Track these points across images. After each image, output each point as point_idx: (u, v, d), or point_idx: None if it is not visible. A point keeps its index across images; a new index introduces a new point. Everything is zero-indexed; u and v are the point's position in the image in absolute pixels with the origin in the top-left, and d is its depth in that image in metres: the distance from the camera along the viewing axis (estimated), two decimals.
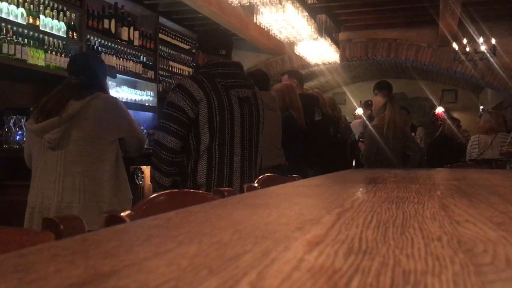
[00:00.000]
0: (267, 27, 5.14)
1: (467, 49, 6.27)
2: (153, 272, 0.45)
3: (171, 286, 0.40)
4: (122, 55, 5.55)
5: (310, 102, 4.00)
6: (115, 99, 2.59)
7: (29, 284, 0.42)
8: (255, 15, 4.82)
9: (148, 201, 1.16)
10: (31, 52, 4.20)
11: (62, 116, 2.28)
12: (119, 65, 5.49)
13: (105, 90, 2.52)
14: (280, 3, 4.71)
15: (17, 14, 4.08)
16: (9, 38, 4.00)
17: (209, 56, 2.30)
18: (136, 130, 2.54)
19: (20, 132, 3.41)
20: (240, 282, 0.40)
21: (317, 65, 7.44)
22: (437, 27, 6.62)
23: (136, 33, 5.80)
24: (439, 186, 1.71)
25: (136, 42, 5.79)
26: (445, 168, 3.60)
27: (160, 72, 6.36)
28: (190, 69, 7.03)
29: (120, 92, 5.58)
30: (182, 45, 6.97)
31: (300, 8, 5.01)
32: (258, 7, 4.73)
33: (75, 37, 4.76)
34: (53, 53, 4.46)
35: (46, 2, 4.45)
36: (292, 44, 6.35)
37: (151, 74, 6.13)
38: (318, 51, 6.49)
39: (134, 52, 5.80)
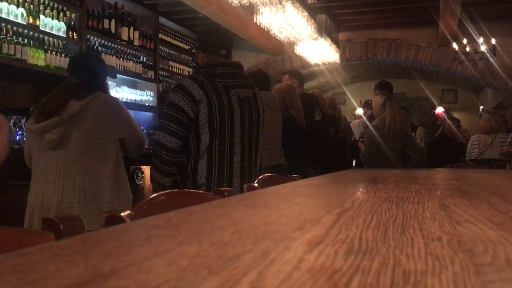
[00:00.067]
0: (267, 27, 5.14)
1: (467, 49, 6.27)
2: (153, 272, 0.45)
3: (171, 286, 0.40)
4: (122, 55, 5.55)
5: (310, 102, 4.00)
6: (115, 99, 2.59)
7: (29, 284, 0.42)
8: (255, 15, 4.82)
9: (148, 201, 1.16)
10: (31, 52, 4.20)
11: (63, 116, 2.28)
12: (119, 65, 5.49)
13: (105, 90, 2.52)
14: (280, 3, 4.71)
15: (17, 14, 4.08)
16: (9, 38, 4.00)
17: (209, 56, 2.29)
18: (136, 130, 2.54)
19: (20, 132, 3.42)
20: (240, 282, 0.40)
21: (317, 65, 7.44)
22: (437, 27, 6.62)
23: (136, 33, 5.80)
24: (439, 186, 1.71)
25: (136, 42, 5.79)
26: (445, 168, 3.60)
27: (160, 72, 6.36)
28: (190, 69, 7.03)
29: (120, 92, 5.58)
30: (182, 45, 6.97)
31: (300, 8, 5.01)
32: (258, 7, 4.73)
33: (75, 37, 4.76)
34: (53, 53, 4.46)
35: (46, 2, 4.45)
36: (292, 44, 6.35)
37: (151, 74, 6.13)
38: (318, 51, 6.49)
39: (134, 52, 5.80)
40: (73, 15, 4.78)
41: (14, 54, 4.02)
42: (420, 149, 4.06)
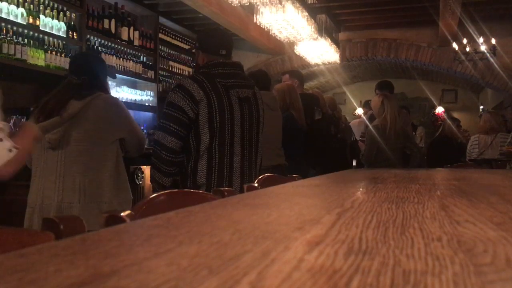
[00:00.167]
0: (267, 27, 5.14)
1: (467, 49, 6.27)
2: (153, 272, 0.45)
3: (171, 286, 0.40)
4: (122, 55, 5.55)
5: (310, 102, 4.00)
6: (115, 99, 2.59)
7: (29, 284, 0.42)
8: (255, 15, 4.82)
9: (148, 201, 1.16)
10: (31, 52, 4.20)
11: (63, 116, 2.28)
12: (119, 65, 5.49)
13: (106, 90, 2.52)
14: (280, 3, 4.71)
15: (17, 14, 4.08)
16: (9, 38, 4.00)
17: (209, 56, 2.29)
18: (136, 130, 2.54)
19: None
20: (240, 282, 0.40)
21: (317, 65, 7.44)
22: (437, 27, 6.62)
23: (136, 33, 5.80)
24: (439, 186, 1.71)
25: (136, 42, 5.79)
26: (445, 168, 3.60)
27: (160, 72, 6.36)
28: (190, 69, 7.03)
29: (120, 92, 5.58)
30: (182, 45, 6.97)
31: (300, 8, 5.01)
32: (258, 7, 4.73)
33: (75, 37, 4.76)
34: (53, 53, 4.46)
35: (46, 2, 4.45)
36: (292, 44, 6.35)
37: (151, 74, 6.13)
38: (318, 51, 6.49)
39: (134, 52, 5.80)
40: (73, 15, 4.78)
41: (14, 54, 4.02)
42: (419, 151, 4.06)
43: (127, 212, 0.98)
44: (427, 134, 7.22)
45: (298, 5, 4.94)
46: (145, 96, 6.06)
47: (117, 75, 4.92)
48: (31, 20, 4.21)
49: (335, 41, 6.97)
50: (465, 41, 6.20)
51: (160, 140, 2.18)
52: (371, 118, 4.17)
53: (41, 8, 4.36)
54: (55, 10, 4.53)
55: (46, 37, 4.41)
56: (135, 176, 3.81)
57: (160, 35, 6.40)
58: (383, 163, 3.65)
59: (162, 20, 6.48)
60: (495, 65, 6.79)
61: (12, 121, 3.39)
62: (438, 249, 0.53)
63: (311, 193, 1.47)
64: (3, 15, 3.94)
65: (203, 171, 2.18)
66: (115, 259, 0.51)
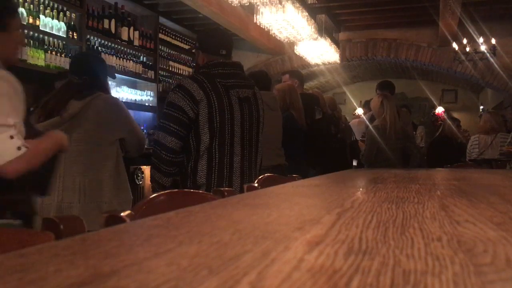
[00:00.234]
0: (267, 27, 5.14)
1: (467, 49, 6.27)
2: (153, 272, 0.45)
3: (171, 286, 0.40)
4: (122, 55, 5.55)
5: (310, 101, 4.00)
6: (115, 99, 2.59)
7: (29, 284, 0.42)
8: (255, 15, 4.82)
9: (148, 201, 1.16)
10: (31, 52, 4.20)
11: (63, 116, 2.28)
12: (119, 65, 5.49)
13: (106, 90, 2.52)
14: (280, 3, 4.71)
15: None
16: None
17: (209, 56, 2.29)
18: (136, 130, 2.54)
19: None
20: (240, 282, 0.40)
21: (317, 65, 7.45)
22: (437, 27, 6.62)
23: (136, 33, 5.80)
24: (439, 186, 1.71)
25: (136, 42, 5.79)
26: (445, 168, 3.60)
27: (160, 72, 6.36)
28: (190, 69, 7.03)
29: (120, 92, 5.58)
30: (182, 45, 6.97)
31: (300, 8, 5.01)
32: (258, 7, 4.73)
33: (75, 37, 4.76)
34: (53, 53, 4.46)
35: (46, 2, 4.45)
36: (292, 44, 6.35)
37: (151, 74, 6.13)
38: (318, 51, 6.49)
39: (134, 52, 5.80)
40: (73, 15, 4.78)
41: None
42: (419, 151, 4.06)
43: (127, 212, 0.98)
44: (427, 133, 7.23)
45: (298, 5, 4.94)
46: (145, 96, 6.06)
47: (117, 75, 4.92)
48: (31, 20, 4.21)
49: (335, 41, 6.97)
50: (465, 41, 6.20)
51: (160, 140, 2.18)
52: (371, 119, 4.17)
53: (41, 8, 4.36)
54: (55, 10, 4.53)
55: (46, 37, 4.41)
56: (135, 176, 3.81)
57: (160, 35, 6.40)
58: (383, 163, 3.65)
59: (162, 20, 6.48)
60: (495, 65, 6.79)
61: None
62: (438, 249, 0.53)
63: (311, 193, 1.47)
64: None
65: (203, 171, 2.18)
66: (115, 259, 0.51)
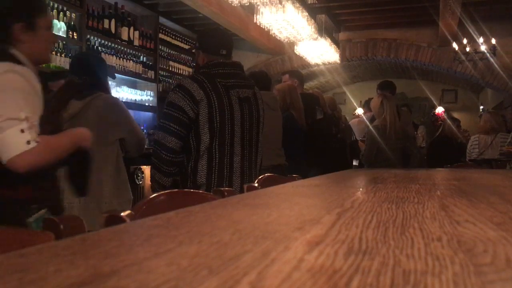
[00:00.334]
0: (267, 27, 5.14)
1: (467, 49, 6.27)
2: (153, 272, 0.45)
3: (171, 286, 0.40)
4: (122, 55, 5.55)
5: (310, 101, 4.00)
6: (115, 99, 2.60)
7: (29, 284, 0.42)
8: (255, 15, 4.82)
9: (148, 201, 1.16)
10: None
11: (63, 116, 2.28)
12: (119, 65, 5.49)
13: (106, 90, 2.52)
14: (280, 3, 4.71)
15: None
16: None
17: (210, 56, 2.29)
18: (136, 130, 2.54)
19: None
20: (240, 282, 0.40)
21: (317, 65, 7.44)
22: (437, 27, 6.62)
23: (136, 33, 5.80)
24: (439, 186, 1.71)
25: (136, 42, 5.79)
26: (445, 168, 3.60)
27: (160, 72, 6.36)
28: (190, 69, 7.03)
29: (120, 92, 5.58)
30: (182, 45, 6.97)
31: (300, 8, 5.01)
32: (258, 7, 4.73)
33: (75, 37, 4.76)
34: (53, 53, 4.46)
35: (46, 2, 4.44)
36: (292, 44, 6.35)
37: (151, 74, 6.13)
38: (318, 51, 6.49)
39: (134, 52, 5.80)
40: (73, 15, 4.78)
41: None
42: (418, 151, 4.06)
43: (127, 212, 0.98)
44: (427, 133, 7.22)
45: (298, 5, 4.94)
46: (145, 96, 6.07)
47: (117, 75, 4.92)
48: None
49: (335, 41, 6.97)
50: (465, 41, 6.20)
51: (160, 140, 2.18)
52: (372, 120, 4.17)
53: None
54: (55, 10, 4.53)
55: None
56: (135, 176, 3.81)
57: (160, 35, 6.40)
58: (383, 163, 3.65)
59: (162, 20, 6.48)
60: (495, 65, 6.79)
61: None
62: (438, 249, 0.53)
63: (311, 193, 1.47)
64: None
65: (203, 171, 2.18)
66: (115, 259, 0.51)
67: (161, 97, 6.00)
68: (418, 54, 7.39)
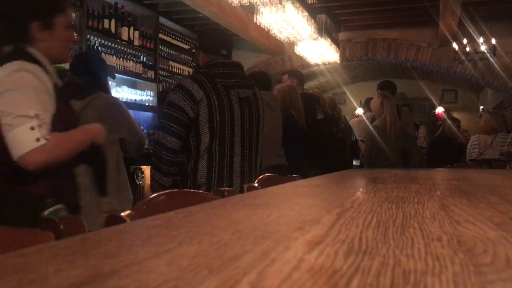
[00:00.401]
0: (267, 27, 5.14)
1: (467, 49, 6.27)
2: (153, 272, 0.45)
3: (171, 286, 0.40)
4: (122, 55, 5.55)
5: (310, 101, 4.00)
6: (115, 99, 2.60)
7: (29, 284, 0.42)
8: (255, 15, 4.82)
9: (148, 201, 1.16)
10: None
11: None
12: (119, 65, 5.49)
13: (106, 89, 2.52)
14: (280, 3, 4.71)
15: None
16: None
17: (210, 56, 2.29)
18: (136, 130, 2.54)
19: None
20: (240, 282, 0.40)
21: (317, 65, 7.44)
22: (437, 27, 6.62)
23: (136, 33, 5.80)
24: (439, 186, 1.71)
25: (136, 42, 5.79)
26: (445, 168, 3.60)
27: (160, 72, 6.36)
28: (190, 69, 7.03)
29: (120, 92, 5.58)
30: (182, 45, 6.97)
31: (300, 8, 5.01)
32: (258, 7, 4.73)
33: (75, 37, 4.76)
34: None
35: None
36: (292, 44, 6.35)
37: (151, 74, 6.13)
38: (318, 51, 6.48)
39: (134, 52, 5.80)
40: (73, 15, 4.78)
41: None
42: (418, 151, 4.06)
43: (127, 212, 0.98)
44: (427, 133, 7.22)
45: (298, 5, 4.94)
46: (145, 96, 6.06)
47: (117, 75, 4.93)
48: None
49: (335, 41, 6.97)
50: (465, 41, 6.20)
51: (160, 140, 2.18)
52: (372, 119, 4.17)
53: None
54: None
55: None
56: (135, 176, 3.81)
57: (160, 35, 6.40)
58: (383, 163, 3.65)
59: (162, 20, 6.48)
60: (495, 65, 6.78)
61: None
62: (438, 249, 0.53)
63: (311, 193, 1.47)
64: None
65: (203, 171, 2.18)
66: (115, 259, 0.51)
67: (161, 97, 6.00)
68: (418, 54, 7.39)
